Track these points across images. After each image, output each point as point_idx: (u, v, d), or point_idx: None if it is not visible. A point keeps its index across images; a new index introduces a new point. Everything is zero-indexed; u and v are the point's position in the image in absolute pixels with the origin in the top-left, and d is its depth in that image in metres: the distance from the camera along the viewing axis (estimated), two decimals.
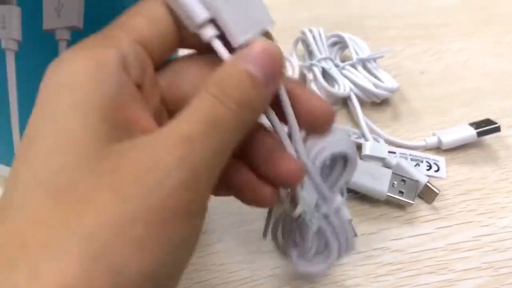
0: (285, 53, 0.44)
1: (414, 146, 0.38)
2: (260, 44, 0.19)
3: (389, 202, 0.34)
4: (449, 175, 0.36)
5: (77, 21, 0.24)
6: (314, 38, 0.43)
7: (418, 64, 0.46)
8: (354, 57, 0.42)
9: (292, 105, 0.21)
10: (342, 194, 0.33)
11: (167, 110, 0.21)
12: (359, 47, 0.43)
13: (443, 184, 0.35)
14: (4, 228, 0.16)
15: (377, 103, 0.41)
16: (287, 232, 0.26)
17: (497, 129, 0.37)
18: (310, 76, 0.42)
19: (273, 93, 0.20)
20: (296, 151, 0.22)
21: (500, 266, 0.31)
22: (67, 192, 0.16)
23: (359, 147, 0.37)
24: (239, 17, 0.20)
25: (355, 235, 0.32)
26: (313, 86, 0.41)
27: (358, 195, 0.34)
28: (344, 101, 0.41)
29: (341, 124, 0.40)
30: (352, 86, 0.40)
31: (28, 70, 0.25)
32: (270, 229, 0.26)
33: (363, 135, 0.38)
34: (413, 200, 0.33)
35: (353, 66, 0.42)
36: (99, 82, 0.18)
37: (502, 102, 0.42)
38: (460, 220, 0.33)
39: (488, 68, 0.46)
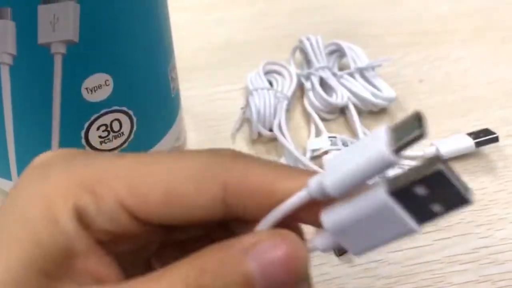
0: (283, 62, 0.44)
1: (412, 156, 0.38)
2: (281, 237, 0.16)
3: None
4: None
5: (73, 34, 0.24)
6: (312, 46, 0.43)
7: (417, 72, 0.46)
8: (352, 66, 0.42)
9: None
10: None
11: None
12: (357, 56, 0.43)
13: None
14: None
15: (375, 112, 0.41)
16: None
17: (495, 140, 0.37)
18: (308, 85, 0.42)
19: None
20: None
21: (498, 279, 0.31)
22: None
23: None
24: None
25: None
26: (311, 95, 0.41)
27: None
28: (342, 110, 0.41)
29: (338, 133, 0.39)
30: (350, 95, 0.40)
31: (23, 84, 0.25)
32: None
33: None
34: None
35: (351, 75, 0.42)
36: (44, 234, 0.16)
37: (501, 110, 0.42)
38: (458, 231, 0.33)
39: (487, 76, 0.46)
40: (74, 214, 0.17)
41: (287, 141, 0.36)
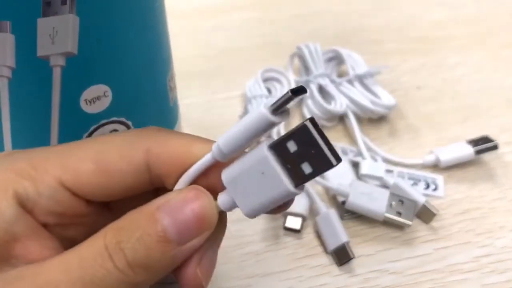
0: (281, 69, 0.44)
1: (411, 164, 0.37)
2: (193, 194, 0.18)
3: (387, 223, 0.33)
4: (447, 194, 0.36)
5: (72, 47, 0.24)
6: (310, 53, 0.43)
7: (415, 79, 0.46)
8: (351, 73, 0.42)
9: None
10: (341, 217, 0.34)
11: None
12: (356, 63, 0.43)
13: (441, 203, 0.35)
14: None
15: (374, 119, 0.41)
16: None
17: (495, 147, 0.37)
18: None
19: (188, 252, 0.18)
20: None
21: None
22: None
23: (356, 165, 0.37)
24: None
25: (352, 257, 0.31)
26: (310, 103, 0.41)
27: (355, 216, 0.34)
28: (341, 118, 0.41)
29: (337, 141, 0.39)
30: (349, 103, 0.40)
31: (21, 97, 0.24)
32: None
33: (360, 153, 0.38)
34: (411, 221, 0.32)
35: (350, 82, 0.42)
36: None
37: (499, 117, 0.42)
38: (458, 240, 0.33)
39: (485, 82, 0.46)
40: (15, 200, 0.18)
41: None
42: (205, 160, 0.19)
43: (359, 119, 0.40)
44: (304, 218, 0.34)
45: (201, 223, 0.18)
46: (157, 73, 0.30)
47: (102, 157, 0.19)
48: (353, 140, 0.39)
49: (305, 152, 0.17)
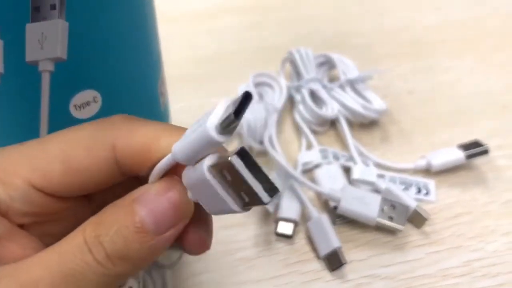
0: (273, 73, 0.44)
1: (403, 169, 0.37)
2: (168, 184, 0.18)
3: (379, 228, 0.33)
4: (438, 198, 0.36)
5: (61, 52, 0.24)
6: (301, 58, 0.43)
7: (406, 84, 0.46)
8: (342, 77, 0.42)
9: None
10: (333, 222, 0.33)
11: None
12: (347, 68, 0.43)
13: (433, 208, 0.35)
14: None
15: (365, 124, 0.41)
16: None
17: (486, 152, 0.37)
18: (298, 97, 0.42)
19: (167, 242, 0.18)
20: None
21: None
22: None
23: (347, 170, 0.37)
24: None
25: (345, 262, 0.31)
26: (301, 108, 0.41)
27: (347, 221, 0.34)
28: (332, 122, 0.41)
29: (329, 146, 0.39)
30: (340, 108, 0.40)
31: (10, 103, 0.24)
32: None
33: (351, 158, 0.38)
34: (403, 226, 0.32)
35: (341, 87, 0.42)
36: None
37: (491, 121, 0.42)
38: (450, 244, 0.33)
39: (476, 87, 0.46)
40: None
41: (278, 155, 0.36)
42: (166, 161, 0.18)
43: (351, 124, 0.40)
44: (296, 224, 0.33)
45: (178, 212, 0.18)
46: (148, 79, 0.30)
47: (68, 157, 0.19)
48: (344, 145, 0.39)
49: (239, 184, 0.16)
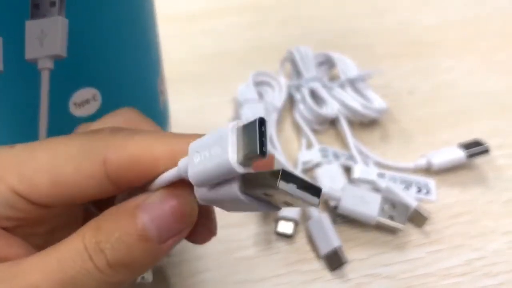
0: (273, 73, 0.44)
1: (403, 168, 0.37)
2: (171, 191, 0.18)
3: (379, 227, 0.33)
4: (438, 198, 0.36)
5: (60, 49, 0.23)
6: (301, 57, 0.43)
7: (407, 84, 0.46)
8: (342, 77, 0.42)
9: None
10: (333, 221, 0.33)
11: None
12: (347, 67, 0.43)
13: (433, 207, 0.35)
14: None
15: (366, 123, 0.41)
16: None
17: (486, 151, 0.37)
18: (298, 96, 0.41)
19: (169, 249, 0.18)
20: None
21: None
22: None
23: (348, 169, 0.37)
24: None
25: (345, 261, 0.31)
26: (301, 107, 0.41)
27: (347, 220, 0.34)
28: (332, 121, 0.41)
29: (329, 145, 0.39)
30: (340, 107, 0.40)
31: (9, 100, 0.24)
32: None
33: (352, 157, 0.38)
34: (404, 225, 0.32)
35: (341, 86, 0.42)
36: None
37: (491, 121, 0.42)
38: (450, 244, 0.33)
39: (477, 87, 0.46)
40: None
41: (278, 154, 0.36)
42: (170, 175, 0.18)
43: (351, 123, 0.40)
44: (296, 223, 0.33)
45: (182, 220, 0.18)
46: (147, 77, 0.30)
47: (56, 170, 0.18)
48: (344, 144, 0.39)
49: (281, 196, 0.16)
